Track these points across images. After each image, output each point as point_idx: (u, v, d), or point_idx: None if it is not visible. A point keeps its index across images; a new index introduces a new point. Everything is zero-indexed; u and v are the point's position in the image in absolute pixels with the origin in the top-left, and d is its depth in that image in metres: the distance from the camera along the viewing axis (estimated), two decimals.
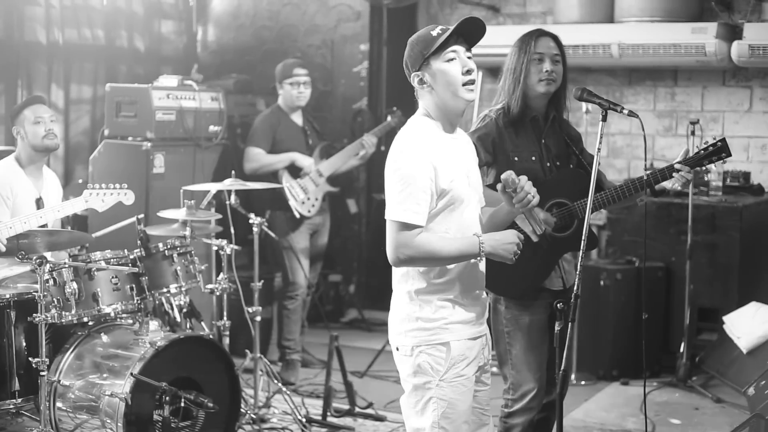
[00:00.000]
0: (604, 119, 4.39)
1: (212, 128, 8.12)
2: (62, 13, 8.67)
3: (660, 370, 7.86)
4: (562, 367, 4.09)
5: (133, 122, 7.75)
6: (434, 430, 4.00)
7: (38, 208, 6.17)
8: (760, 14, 8.27)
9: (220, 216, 6.77)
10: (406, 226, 3.89)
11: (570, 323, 4.11)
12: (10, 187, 6.16)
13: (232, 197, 6.79)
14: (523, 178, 4.00)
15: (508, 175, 3.99)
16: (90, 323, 5.81)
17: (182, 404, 5.39)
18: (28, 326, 5.58)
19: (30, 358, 5.43)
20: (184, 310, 6.35)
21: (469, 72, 4.00)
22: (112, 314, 5.77)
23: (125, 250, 5.94)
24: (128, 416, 5.32)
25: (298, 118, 8.05)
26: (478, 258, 4.00)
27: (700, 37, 8.02)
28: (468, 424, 4.08)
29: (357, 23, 9.95)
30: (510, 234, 4.01)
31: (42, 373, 5.33)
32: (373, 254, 9.89)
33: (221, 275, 6.62)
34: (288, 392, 6.81)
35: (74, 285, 5.61)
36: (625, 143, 9.11)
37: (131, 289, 5.85)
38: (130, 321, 5.97)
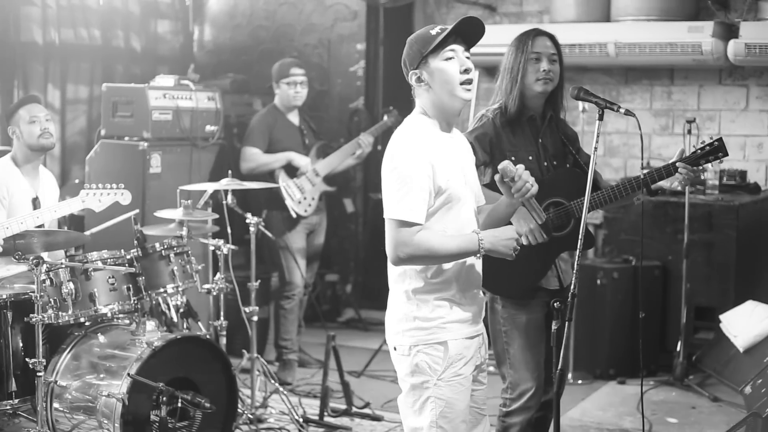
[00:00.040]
0: (601, 118, 4.40)
1: (209, 128, 8.12)
2: (59, 13, 8.67)
3: (657, 369, 7.87)
4: (559, 367, 4.09)
5: (130, 122, 7.75)
6: (432, 429, 4.00)
7: (35, 207, 6.17)
8: (756, 13, 8.27)
9: (216, 216, 6.76)
10: (406, 224, 3.89)
11: (567, 322, 4.11)
12: (6, 187, 6.16)
13: (229, 197, 6.78)
14: (521, 167, 4.01)
15: (506, 164, 3.99)
16: (87, 323, 5.82)
17: (179, 404, 5.38)
18: (24, 327, 5.58)
19: (27, 359, 5.44)
20: (181, 310, 6.34)
21: (466, 71, 4.01)
22: (109, 314, 5.76)
23: (122, 250, 5.94)
24: (125, 417, 5.32)
25: (294, 118, 8.04)
26: (478, 255, 4.00)
27: (697, 36, 8.02)
28: (466, 423, 4.09)
29: (354, 23, 9.95)
30: (509, 230, 4.01)
31: (39, 374, 5.34)
32: (369, 254, 9.89)
33: (218, 275, 6.62)
34: (285, 392, 6.82)
35: (71, 285, 5.61)
36: (622, 142, 9.11)
37: (128, 289, 5.84)
38: (127, 321, 5.96)
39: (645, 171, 5.03)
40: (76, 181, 8.34)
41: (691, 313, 7.79)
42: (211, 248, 6.93)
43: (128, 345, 5.65)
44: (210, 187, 6.78)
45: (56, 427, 5.60)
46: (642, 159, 4.82)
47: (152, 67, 9.56)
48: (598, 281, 7.84)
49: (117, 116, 7.81)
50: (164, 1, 10.05)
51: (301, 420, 6.65)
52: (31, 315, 5.35)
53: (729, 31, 8.13)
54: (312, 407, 6.93)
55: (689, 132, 7.59)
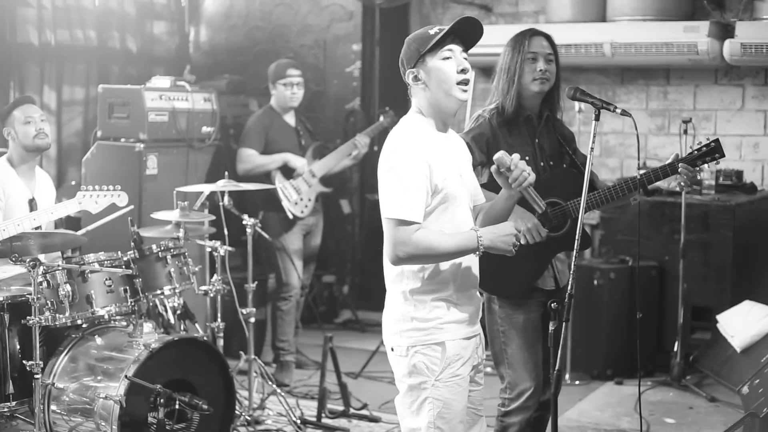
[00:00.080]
0: (597, 118, 4.40)
1: (205, 129, 8.11)
2: (54, 15, 8.66)
3: (654, 370, 7.87)
4: (556, 367, 4.09)
5: (126, 123, 7.73)
6: (430, 430, 4.00)
7: (31, 209, 6.17)
8: (752, 13, 8.28)
9: (213, 217, 6.76)
10: (404, 223, 3.88)
11: (564, 323, 4.11)
12: (2, 188, 6.16)
13: (226, 198, 6.78)
14: (516, 156, 4.01)
15: (501, 155, 3.99)
16: (84, 325, 5.80)
17: (177, 406, 5.39)
18: (21, 329, 5.58)
19: (24, 361, 5.43)
20: (178, 311, 6.34)
21: (463, 71, 4.01)
22: (106, 316, 5.75)
23: (119, 252, 5.93)
24: (123, 419, 5.31)
25: (290, 119, 8.04)
26: (477, 252, 3.99)
27: (692, 35, 8.03)
28: (463, 423, 4.09)
29: (349, 23, 9.95)
30: (507, 226, 4.01)
31: (36, 376, 5.32)
32: (366, 255, 9.89)
33: (215, 277, 6.61)
34: (282, 394, 6.82)
35: (68, 287, 5.59)
36: (618, 142, 9.12)
37: (125, 291, 5.83)
38: (124, 323, 5.95)
39: (642, 172, 5.04)
40: (73, 182, 8.34)
41: (688, 314, 7.79)
42: (208, 250, 6.92)
43: (125, 347, 5.64)
44: (207, 188, 6.77)
45: (54, 429, 5.59)
46: (638, 159, 4.82)
47: (148, 68, 9.55)
48: (595, 282, 7.84)
49: (113, 118, 7.79)
50: (160, 2, 10.05)
51: (298, 421, 6.64)
52: (28, 317, 5.34)
53: (725, 31, 8.14)
54: (309, 408, 6.93)
55: (685, 132, 7.60)
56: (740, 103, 8.60)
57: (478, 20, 4.06)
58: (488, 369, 6.60)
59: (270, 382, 6.86)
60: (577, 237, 4.28)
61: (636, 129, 4.68)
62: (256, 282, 6.95)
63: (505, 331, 5.04)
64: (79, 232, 6.30)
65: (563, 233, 5.03)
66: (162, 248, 6.14)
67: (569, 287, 4.17)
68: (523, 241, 4.79)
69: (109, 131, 7.80)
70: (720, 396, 7.27)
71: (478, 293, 4.21)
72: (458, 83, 4.00)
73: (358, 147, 8.13)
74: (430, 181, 3.94)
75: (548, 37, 5.12)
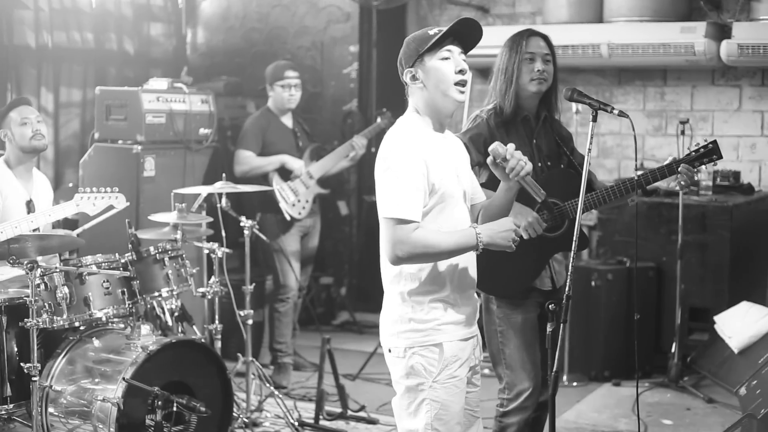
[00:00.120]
0: (595, 119, 4.40)
1: (202, 131, 8.11)
2: (51, 17, 8.66)
3: (651, 371, 7.87)
4: (554, 369, 4.09)
5: (123, 125, 7.74)
6: (427, 431, 4.00)
7: (29, 210, 6.17)
8: (748, 13, 8.28)
9: (211, 219, 6.75)
10: (403, 222, 3.87)
11: (562, 324, 4.11)
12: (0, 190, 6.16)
13: (223, 200, 6.78)
14: (511, 146, 4.01)
15: (495, 146, 4.00)
16: (81, 328, 5.80)
17: (174, 409, 5.37)
18: (19, 331, 5.56)
19: (22, 364, 5.42)
20: (176, 313, 6.33)
21: (461, 72, 4.01)
22: (104, 318, 5.75)
23: (116, 254, 5.92)
24: (120, 421, 5.31)
25: (288, 120, 8.04)
26: (477, 250, 3.98)
27: (689, 36, 8.04)
28: (461, 425, 4.09)
29: (346, 25, 9.95)
30: (506, 222, 4.01)
31: (34, 379, 5.31)
32: (364, 256, 9.89)
33: (212, 278, 6.61)
34: (280, 396, 6.81)
35: (65, 289, 5.59)
36: (615, 143, 9.12)
37: (123, 293, 5.83)
38: (122, 325, 5.94)
39: (640, 173, 5.04)
40: (70, 184, 8.34)
41: (686, 314, 7.80)
42: (206, 252, 6.92)
43: (123, 349, 5.64)
44: (204, 190, 6.77)
45: (51, 431, 5.60)
46: (636, 160, 4.83)
47: (145, 70, 9.55)
48: (593, 283, 7.84)
49: (110, 119, 7.80)
50: (157, 3, 10.04)
51: (296, 423, 6.64)
52: (25, 319, 5.32)
53: (722, 32, 8.14)
54: (307, 410, 6.93)
55: (682, 133, 7.60)
56: (737, 104, 8.60)
57: (478, 22, 4.06)
58: (486, 371, 6.64)
59: (268, 384, 6.85)
60: (574, 237, 4.28)
61: (633, 130, 4.68)
62: (253, 284, 6.94)
63: (503, 331, 5.04)
64: (75, 232, 6.30)
65: (561, 233, 5.03)
66: (159, 250, 6.13)
67: (567, 288, 4.17)
68: (525, 236, 4.80)
69: (107, 133, 7.81)
70: (718, 397, 7.27)
71: (475, 294, 4.21)
72: (456, 84, 4.01)
73: (355, 148, 8.13)
74: (427, 180, 3.94)
75: (546, 38, 5.13)
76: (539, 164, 5.08)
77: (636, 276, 7.90)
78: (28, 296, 5.34)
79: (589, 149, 4.33)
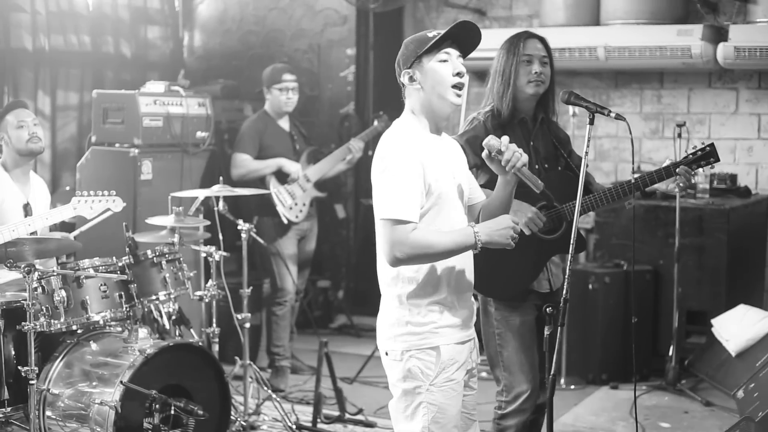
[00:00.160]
0: (591, 122, 4.40)
1: (199, 134, 8.11)
2: (48, 20, 8.65)
3: (649, 374, 7.87)
4: (552, 372, 4.09)
5: (121, 129, 7.74)
6: None
7: (26, 213, 6.17)
8: (745, 16, 8.29)
9: (208, 222, 6.76)
10: (400, 223, 3.87)
11: (559, 327, 4.11)
12: None
13: (220, 203, 6.78)
14: (505, 138, 4.01)
15: (489, 139, 4.00)
16: (79, 331, 5.79)
17: (172, 412, 5.36)
18: (16, 335, 5.56)
19: (19, 367, 5.41)
20: (173, 317, 6.33)
21: (459, 75, 4.02)
22: (101, 322, 5.74)
23: (114, 258, 5.92)
24: (118, 424, 5.30)
25: (285, 124, 8.04)
26: (476, 249, 3.98)
27: (686, 39, 8.04)
28: (458, 428, 4.09)
29: (343, 27, 9.95)
30: (504, 219, 3.99)
31: (31, 382, 5.30)
32: (361, 259, 9.89)
33: (210, 282, 6.60)
34: (278, 399, 6.81)
35: (63, 293, 5.58)
36: (612, 146, 9.13)
37: (120, 296, 5.82)
38: (119, 329, 5.95)
39: (637, 175, 5.04)
40: (67, 188, 8.33)
41: (683, 318, 7.79)
42: (203, 255, 6.93)
43: (121, 352, 5.64)
44: (201, 193, 6.77)
45: None
46: (633, 163, 4.82)
47: (142, 73, 9.55)
48: (590, 286, 7.84)
49: (107, 123, 7.80)
50: (154, 6, 10.04)
51: (294, 427, 6.64)
52: (23, 323, 5.32)
53: (718, 35, 8.15)
54: (305, 414, 6.93)
55: (679, 135, 7.60)
56: (734, 107, 8.61)
57: (477, 26, 4.07)
58: (483, 374, 6.65)
59: (265, 388, 6.85)
60: (572, 240, 4.28)
61: (630, 133, 4.68)
62: (251, 287, 6.95)
63: (501, 333, 5.04)
64: (72, 234, 6.29)
65: (559, 236, 5.03)
66: (157, 253, 6.12)
67: (564, 292, 4.17)
68: (527, 232, 4.80)
69: (104, 136, 7.81)
70: (715, 400, 7.27)
71: (472, 297, 4.21)
72: (453, 86, 4.01)
73: (352, 151, 8.13)
74: (424, 182, 3.94)
75: (543, 40, 5.13)
76: (536, 166, 5.08)
77: (633, 279, 7.90)
78: (25, 299, 5.33)
79: (586, 152, 4.34)
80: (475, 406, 4.29)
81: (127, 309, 5.85)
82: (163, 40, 10.18)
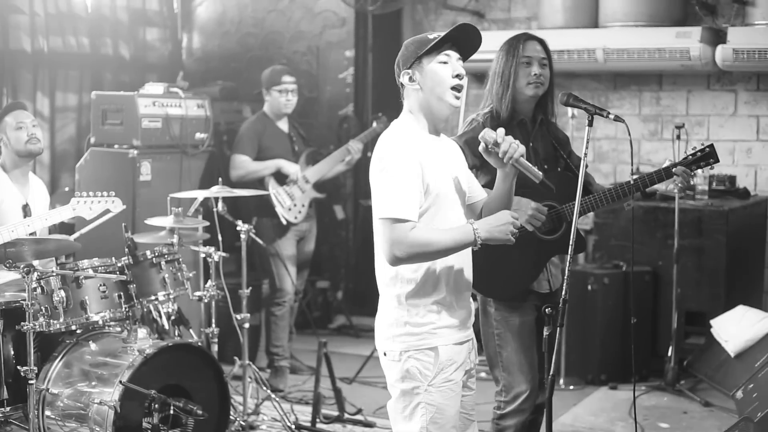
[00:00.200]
0: (590, 124, 4.41)
1: (198, 135, 8.12)
2: (47, 21, 8.66)
3: (648, 375, 7.87)
4: (551, 372, 4.10)
5: (119, 130, 7.75)
6: None
7: (25, 214, 6.17)
8: (743, 18, 8.30)
9: (207, 223, 6.76)
10: (399, 222, 3.87)
11: (558, 328, 4.11)
12: None
13: (220, 204, 6.78)
14: (501, 130, 4.03)
15: (485, 131, 4.01)
16: (78, 331, 5.80)
17: (171, 412, 5.37)
18: (16, 335, 5.56)
19: (18, 367, 5.42)
20: (173, 317, 6.33)
21: (458, 77, 4.03)
22: (101, 322, 5.74)
23: (113, 258, 5.92)
24: (117, 424, 5.30)
25: (283, 125, 8.04)
26: (476, 246, 3.97)
27: (685, 41, 8.04)
28: (456, 428, 4.09)
29: (342, 29, 9.95)
30: (503, 215, 3.98)
31: (30, 382, 5.31)
32: (360, 260, 9.89)
33: (209, 282, 6.60)
34: (277, 399, 6.82)
35: (62, 293, 5.59)
36: (611, 148, 9.13)
37: (119, 296, 5.82)
38: (119, 329, 5.95)
39: (636, 177, 5.05)
40: (66, 189, 8.34)
41: (682, 318, 7.79)
42: (202, 255, 6.93)
43: (120, 352, 5.64)
44: (200, 194, 6.78)
45: None
46: (632, 164, 4.83)
47: (141, 74, 9.56)
48: (589, 287, 7.84)
49: (106, 124, 7.81)
50: (152, 8, 10.05)
51: (293, 427, 6.64)
52: (22, 323, 5.33)
53: (717, 37, 8.15)
54: (304, 414, 6.93)
55: (678, 137, 7.60)
56: (733, 109, 8.61)
57: (478, 30, 4.08)
58: (482, 374, 6.65)
59: (264, 388, 6.86)
60: (571, 241, 4.29)
61: (629, 134, 4.68)
62: (250, 287, 6.95)
63: (501, 333, 5.04)
64: (72, 236, 6.30)
65: (558, 236, 5.03)
66: (156, 254, 6.13)
67: (563, 292, 4.17)
68: (530, 228, 4.80)
69: (103, 137, 7.82)
70: (714, 401, 7.27)
71: (471, 298, 4.21)
72: (452, 88, 4.02)
73: (351, 153, 8.14)
74: (423, 181, 3.94)
75: (542, 42, 5.13)
76: (536, 167, 5.07)
77: (632, 280, 7.90)
78: (24, 300, 5.34)
79: (586, 153, 4.34)
80: (473, 406, 4.29)
81: (127, 309, 5.85)
82: (161, 42, 10.19)
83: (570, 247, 4.28)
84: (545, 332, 4.14)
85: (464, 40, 4.09)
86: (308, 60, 10.08)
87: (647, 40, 8.21)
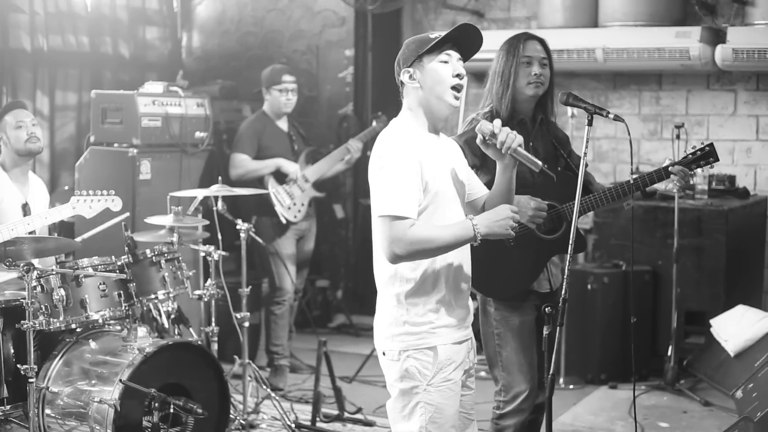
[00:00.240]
0: (590, 124, 4.40)
1: (198, 134, 8.12)
2: (47, 20, 8.66)
3: (648, 374, 7.87)
4: (551, 371, 4.10)
5: (119, 129, 7.75)
6: None
7: (24, 213, 6.16)
8: (743, 18, 8.30)
9: (207, 222, 6.76)
10: (398, 219, 3.86)
11: (558, 327, 4.11)
12: None
13: (219, 203, 6.78)
14: (497, 122, 4.03)
15: (481, 123, 4.01)
16: (78, 330, 5.80)
17: (171, 410, 5.35)
18: (16, 333, 5.57)
19: (18, 365, 5.42)
20: (172, 316, 6.34)
21: (458, 76, 4.03)
22: (100, 321, 5.75)
23: (113, 257, 5.93)
24: (117, 422, 5.30)
25: (283, 124, 8.04)
26: (476, 241, 3.96)
27: (684, 41, 8.05)
28: (455, 428, 4.09)
29: (342, 29, 9.95)
30: (502, 209, 3.97)
31: (30, 380, 5.31)
32: (360, 259, 9.88)
33: (209, 281, 6.60)
34: (277, 398, 6.81)
35: (62, 292, 5.59)
36: (611, 147, 9.13)
37: (119, 295, 5.83)
38: (118, 327, 5.95)
39: (635, 176, 5.05)
40: (66, 187, 8.34)
41: (682, 318, 7.79)
42: (202, 254, 6.93)
43: (120, 351, 5.64)
44: (200, 193, 6.78)
45: None
46: (631, 164, 4.83)
47: (141, 73, 9.56)
48: (589, 286, 7.84)
49: (106, 123, 7.81)
50: (152, 7, 10.05)
51: (293, 425, 6.64)
52: (22, 321, 5.32)
53: (716, 37, 8.15)
54: (304, 413, 6.93)
55: (678, 137, 7.61)
56: (732, 108, 8.62)
57: (479, 31, 4.08)
58: (482, 373, 6.65)
59: (264, 386, 6.86)
60: (571, 240, 4.28)
61: (629, 134, 4.68)
62: (249, 286, 6.95)
63: (501, 333, 5.04)
64: (78, 239, 6.30)
65: (559, 236, 5.03)
66: (156, 253, 6.13)
67: (563, 292, 4.17)
68: (533, 227, 4.79)
69: (103, 136, 7.82)
70: (714, 400, 7.27)
71: (470, 297, 4.21)
72: (452, 87, 4.02)
73: (351, 152, 8.14)
74: (421, 178, 3.94)
75: (542, 42, 5.13)
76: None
77: (632, 279, 7.90)
78: (24, 298, 5.33)
79: (585, 153, 4.34)
80: (473, 405, 4.30)
81: (126, 308, 5.86)
82: (161, 41, 10.19)
83: (570, 246, 4.28)
84: (545, 331, 4.13)
85: (465, 41, 4.10)
86: (308, 59, 10.08)
87: (647, 39, 8.21)
